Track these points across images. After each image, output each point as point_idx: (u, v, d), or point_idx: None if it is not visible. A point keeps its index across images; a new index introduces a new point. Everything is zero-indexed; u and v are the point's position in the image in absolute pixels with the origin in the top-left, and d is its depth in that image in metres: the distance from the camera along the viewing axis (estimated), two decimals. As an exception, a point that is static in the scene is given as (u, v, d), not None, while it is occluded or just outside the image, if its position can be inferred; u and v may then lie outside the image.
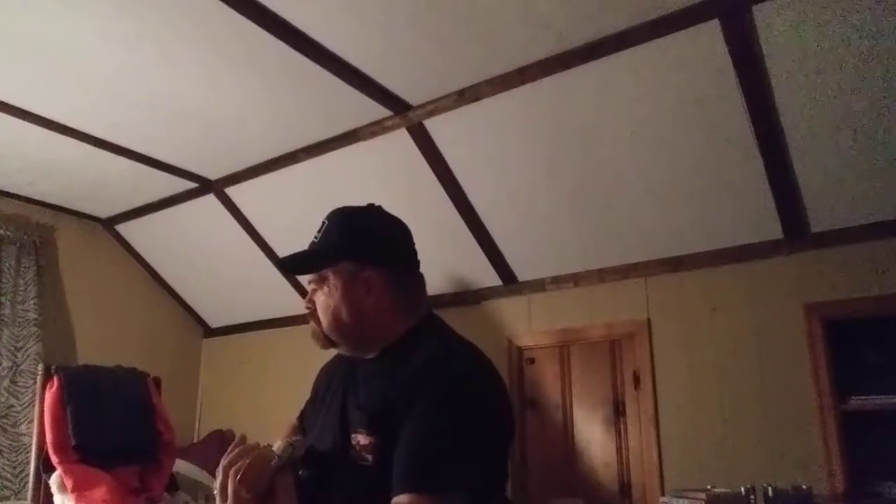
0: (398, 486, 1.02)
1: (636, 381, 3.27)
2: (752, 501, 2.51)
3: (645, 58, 2.53)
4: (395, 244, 1.25)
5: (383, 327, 1.20)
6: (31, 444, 3.24)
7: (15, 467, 3.81)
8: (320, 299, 1.22)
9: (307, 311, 1.25)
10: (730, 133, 2.66)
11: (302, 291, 4.35)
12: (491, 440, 1.10)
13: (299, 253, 1.25)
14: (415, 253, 1.27)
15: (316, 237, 1.24)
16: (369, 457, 1.09)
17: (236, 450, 1.12)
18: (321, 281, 1.22)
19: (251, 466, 1.06)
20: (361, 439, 1.11)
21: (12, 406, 3.88)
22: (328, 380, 1.33)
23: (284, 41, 2.54)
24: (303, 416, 1.43)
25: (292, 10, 2.41)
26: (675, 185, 2.93)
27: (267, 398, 4.55)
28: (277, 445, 1.11)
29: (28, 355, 3.98)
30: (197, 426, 5.02)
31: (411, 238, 1.27)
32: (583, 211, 3.21)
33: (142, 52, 2.68)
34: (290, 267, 1.25)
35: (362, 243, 1.21)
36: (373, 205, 1.28)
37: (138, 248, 4.76)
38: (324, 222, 1.25)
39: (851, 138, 2.54)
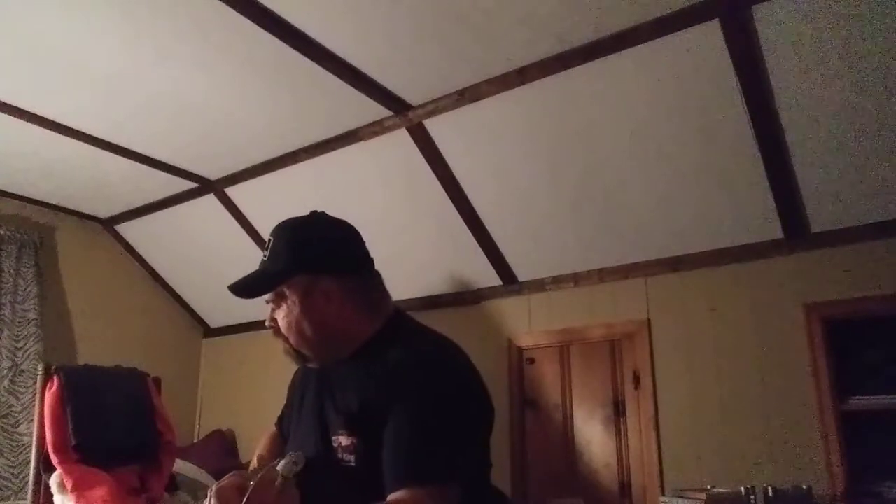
0: (393, 482, 1.03)
1: (636, 381, 3.27)
2: (752, 501, 2.51)
3: (645, 58, 2.53)
4: (345, 249, 1.23)
5: (350, 332, 1.20)
6: (30, 444, 3.23)
7: (15, 467, 3.81)
8: (281, 317, 1.20)
9: (271, 330, 1.23)
10: (730, 133, 2.66)
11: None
12: (475, 427, 1.12)
13: (250, 276, 1.22)
14: (367, 253, 1.26)
15: (265, 256, 1.22)
16: (351, 457, 1.10)
17: (228, 476, 1.09)
18: (279, 299, 1.20)
19: (256, 490, 1.04)
20: (343, 440, 1.12)
21: (12, 406, 3.88)
22: (302, 386, 1.33)
23: (284, 41, 2.54)
24: (280, 421, 1.44)
25: (292, 10, 2.41)
26: (675, 185, 2.93)
27: (267, 398, 4.54)
28: (282, 465, 1.09)
29: (28, 355, 3.98)
30: (197, 426, 5.02)
31: (361, 239, 1.26)
32: (583, 211, 3.21)
33: (142, 52, 2.68)
34: (243, 292, 1.21)
35: (312, 254, 1.19)
36: (316, 212, 1.26)
37: (138, 248, 4.76)
38: (269, 239, 1.23)
39: (851, 138, 2.54)
